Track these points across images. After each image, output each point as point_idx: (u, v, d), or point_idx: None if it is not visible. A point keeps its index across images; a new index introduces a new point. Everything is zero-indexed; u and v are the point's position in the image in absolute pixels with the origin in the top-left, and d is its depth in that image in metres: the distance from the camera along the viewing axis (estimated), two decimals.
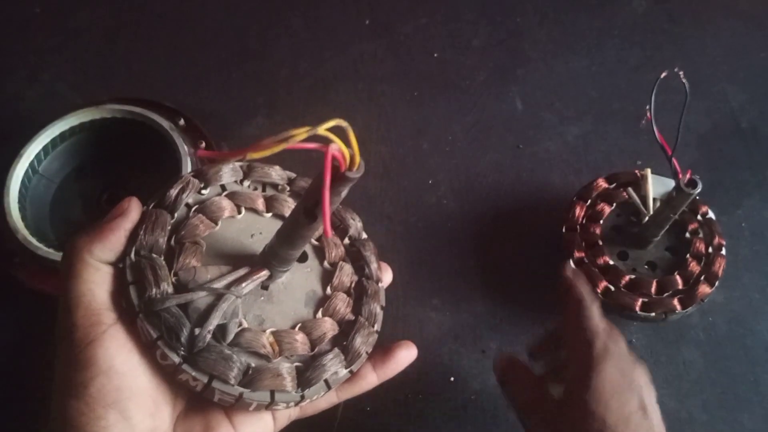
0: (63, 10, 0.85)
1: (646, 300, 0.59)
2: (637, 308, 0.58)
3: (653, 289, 0.59)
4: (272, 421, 0.36)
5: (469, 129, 0.75)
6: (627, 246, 0.62)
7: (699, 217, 0.63)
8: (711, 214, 0.63)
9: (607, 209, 0.64)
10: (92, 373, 0.29)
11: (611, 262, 0.61)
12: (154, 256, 0.32)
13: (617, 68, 0.80)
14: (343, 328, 0.37)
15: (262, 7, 0.85)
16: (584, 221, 0.63)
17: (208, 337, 0.31)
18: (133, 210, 0.33)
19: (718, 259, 0.61)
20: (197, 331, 0.31)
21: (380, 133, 0.74)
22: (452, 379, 0.61)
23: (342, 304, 0.37)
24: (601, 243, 0.62)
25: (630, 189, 0.63)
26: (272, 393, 0.33)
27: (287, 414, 0.37)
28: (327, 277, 0.38)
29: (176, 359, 0.31)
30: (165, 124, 0.64)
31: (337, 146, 0.26)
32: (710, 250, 0.61)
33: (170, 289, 0.32)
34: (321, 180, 0.27)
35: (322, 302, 0.37)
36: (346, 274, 0.38)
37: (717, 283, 0.60)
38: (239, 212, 0.37)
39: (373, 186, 0.71)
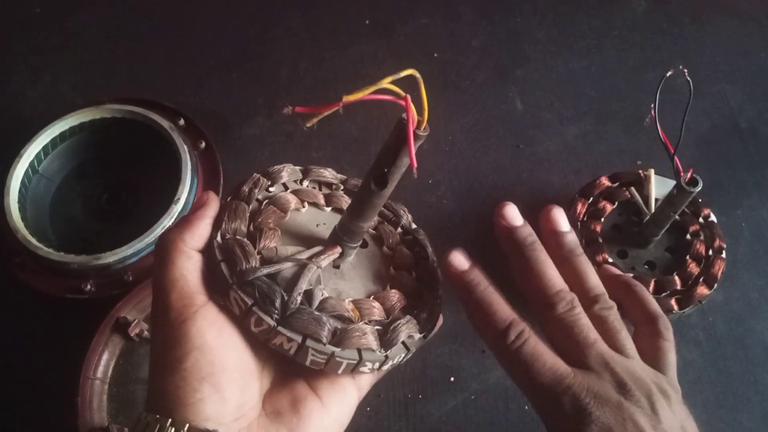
0: (63, 10, 0.85)
1: None
2: None
3: (651, 289, 0.59)
4: (356, 391, 0.37)
5: (469, 129, 0.75)
6: (627, 245, 0.62)
7: (701, 219, 0.63)
8: (713, 217, 0.63)
9: (609, 207, 0.64)
10: (186, 349, 0.31)
11: (610, 260, 0.61)
12: (239, 237, 0.36)
13: (617, 68, 0.80)
14: (410, 301, 0.40)
15: (262, 7, 0.85)
16: (585, 218, 0.64)
17: (299, 299, 0.34)
18: (213, 200, 0.37)
19: (718, 261, 0.61)
20: (288, 295, 0.33)
21: (380, 134, 0.74)
22: (452, 379, 0.61)
23: (406, 280, 0.40)
24: (601, 240, 0.62)
25: (632, 188, 0.63)
26: (360, 352, 0.35)
27: (369, 381, 0.38)
28: (388, 260, 0.41)
29: (272, 322, 0.33)
30: (165, 124, 0.64)
31: (409, 98, 0.29)
32: (710, 252, 0.62)
33: (257, 264, 0.35)
34: (392, 143, 0.31)
35: (388, 279, 0.40)
36: (405, 256, 0.42)
37: (716, 285, 0.60)
38: (303, 206, 0.41)
39: None
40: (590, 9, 0.85)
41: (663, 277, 0.60)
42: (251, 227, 0.37)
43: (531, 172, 0.72)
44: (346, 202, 0.42)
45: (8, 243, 0.59)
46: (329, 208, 0.42)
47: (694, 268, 0.61)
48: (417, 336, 0.38)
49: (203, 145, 0.69)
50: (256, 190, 0.39)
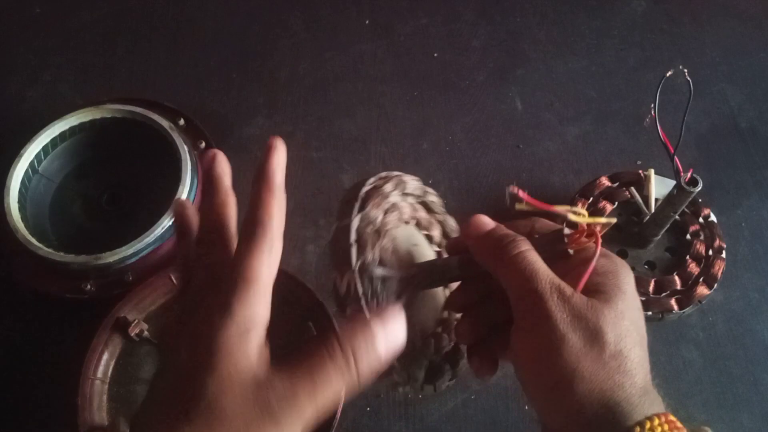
0: (63, 10, 0.85)
1: (643, 299, 0.59)
2: None
3: (651, 288, 0.59)
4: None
5: (469, 129, 0.75)
6: (627, 245, 0.63)
7: (701, 219, 0.63)
8: (713, 217, 0.63)
9: (609, 207, 0.64)
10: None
11: None
12: (371, 227, 0.38)
13: (616, 68, 0.80)
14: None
15: (262, 7, 0.85)
16: None
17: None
18: None
19: (718, 261, 0.61)
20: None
21: (380, 133, 0.74)
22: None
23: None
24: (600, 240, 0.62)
25: (632, 188, 0.63)
26: (409, 376, 0.39)
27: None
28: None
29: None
30: (165, 124, 0.64)
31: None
32: (710, 252, 0.62)
33: (377, 257, 0.37)
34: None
35: (440, 323, 0.43)
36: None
37: (716, 285, 0.60)
38: (409, 222, 0.43)
39: None
40: (590, 9, 0.85)
41: (663, 277, 0.60)
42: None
43: (531, 172, 0.72)
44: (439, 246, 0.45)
45: (8, 243, 0.59)
46: (425, 232, 0.44)
47: (694, 268, 0.61)
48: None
49: (203, 145, 0.69)
50: (396, 191, 0.40)
